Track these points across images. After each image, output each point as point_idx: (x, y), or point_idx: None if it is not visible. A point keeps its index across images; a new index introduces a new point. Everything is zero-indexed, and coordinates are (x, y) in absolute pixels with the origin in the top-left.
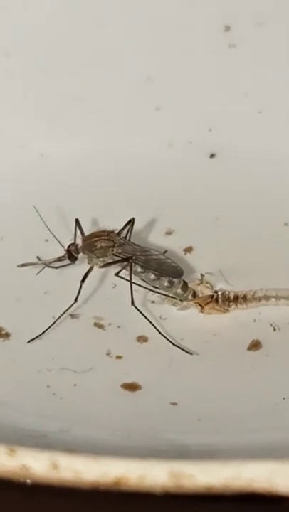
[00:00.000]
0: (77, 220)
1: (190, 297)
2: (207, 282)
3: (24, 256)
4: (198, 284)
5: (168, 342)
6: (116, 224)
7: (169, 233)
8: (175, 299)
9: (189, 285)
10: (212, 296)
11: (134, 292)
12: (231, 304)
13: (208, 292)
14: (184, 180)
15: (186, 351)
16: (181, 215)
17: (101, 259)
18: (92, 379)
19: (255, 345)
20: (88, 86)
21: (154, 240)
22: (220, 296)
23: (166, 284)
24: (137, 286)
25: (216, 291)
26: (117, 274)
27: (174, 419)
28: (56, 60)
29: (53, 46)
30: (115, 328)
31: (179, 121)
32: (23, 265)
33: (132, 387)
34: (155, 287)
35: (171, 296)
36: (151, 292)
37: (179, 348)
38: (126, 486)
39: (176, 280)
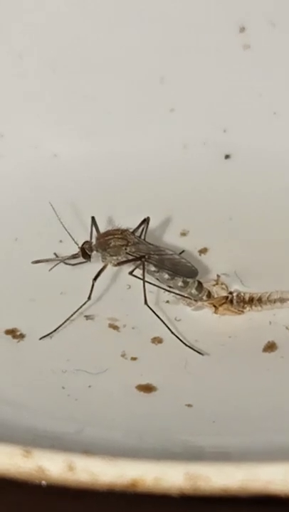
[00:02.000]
0: (93, 218)
1: (205, 298)
2: (222, 283)
3: (38, 256)
4: (214, 285)
5: (182, 343)
6: (130, 224)
7: (183, 234)
8: (190, 299)
9: (204, 285)
10: (227, 297)
11: (148, 292)
12: (246, 305)
13: (224, 293)
14: (199, 181)
15: (198, 352)
16: (195, 216)
17: (114, 257)
18: (107, 380)
19: (270, 347)
20: (102, 87)
21: (169, 241)
22: (235, 297)
23: (180, 283)
24: (151, 287)
25: (230, 293)
26: (131, 273)
27: (189, 421)
28: (69, 60)
29: (66, 47)
30: (130, 330)
31: (194, 122)
32: (37, 262)
33: (147, 388)
34: (169, 287)
35: (185, 296)
36: (166, 292)
37: (192, 349)
38: (142, 488)
39: (190, 280)
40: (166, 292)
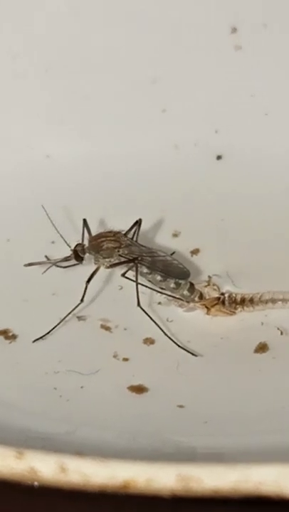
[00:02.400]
0: (84, 221)
1: (196, 299)
2: (214, 284)
3: (31, 257)
4: (205, 286)
5: (175, 344)
6: (123, 225)
7: (175, 235)
8: (181, 300)
9: (196, 287)
10: (218, 298)
11: (140, 294)
12: (238, 306)
13: (215, 294)
14: (191, 182)
15: (191, 353)
16: (187, 217)
17: (107, 259)
18: (99, 381)
19: (262, 348)
20: (94, 87)
21: (161, 242)
22: (227, 298)
23: (172, 285)
24: (143, 288)
25: (222, 294)
26: (123, 275)
27: (181, 422)
28: (62, 60)
29: (59, 47)
30: (122, 330)
31: (186, 122)
32: (30, 264)
33: (138, 389)
34: (162, 288)
35: (177, 298)
36: (158, 294)
37: (185, 349)
38: (134, 490)
39: (182, 282)
40: (158, 294)
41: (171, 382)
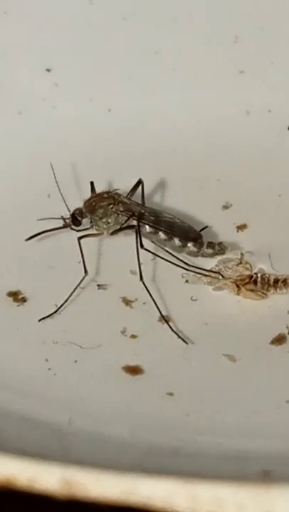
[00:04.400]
0: (92, 183)
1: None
2: (247, 262)
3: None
4: (237, 264)
5: (191, 326)
6: (175, 192)
7: (226, 207)
8: (210, 276)
9: (225, 263)
10: (251, 277)
11: (171, 268)
12: (270, 288)
13: (247, 273)
14: (255, 151)
15: (182, 339)
16: (243, 189)
17: (104, 220)
18: (96, 357)
19: (278, 340)
20: (170, 43)
21: (209, 213)
22: (259, 278)
23: (177, 243)
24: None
25: (255, 273)
26: (142, 247)
27: (162, 411)
28: (140, 12)
29: None
30: (140, 305)
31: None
32: (30, 238)
33: (133, 370)
34: (169, 253)
35: (207, 274)
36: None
37: (177, 335)
38: (15, 488)
39: (190, 243)
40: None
41: (170, 367)
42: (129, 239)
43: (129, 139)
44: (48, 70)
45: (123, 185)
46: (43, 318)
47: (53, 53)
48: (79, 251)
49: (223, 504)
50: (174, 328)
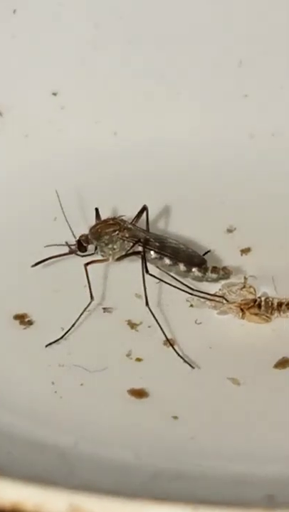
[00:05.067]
0: (96, 210)
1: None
2: (250, 286)
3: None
4: (241, 289)
5: (196, 350)
6: (180, 215)
7: (230, 231)
8: (215, 301)
9: (230, 287)
10: (255, 300)
11: (176, 292)
12: (274, 311)
13: (251, 297)
14: (261, 175)
15: (189, 364)
16: (247, 212)
17: (110, 246)
18: (101, 380)
19: (282, 364)
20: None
21: (213, 237)
22: (263, 301)
23: (182, 268)
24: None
25: (259, 297)
26: (147, 272)
27: (166, 434)
28: (145, 35)
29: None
30: (145, 328)
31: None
32: (36, 264)
33: (139, 393)
34: (174, 278)
35: (211, 299)
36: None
37: (183, 359)
38: None
39: (194, 268)
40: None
41: (175, 390)
42: (133, 263)
43: (134, 161)
44: (55, 94)
45: (126, 207)
46: (50, 344)
47: (59, 77)
48: (85, 276)
49: None
50: (180, 352)
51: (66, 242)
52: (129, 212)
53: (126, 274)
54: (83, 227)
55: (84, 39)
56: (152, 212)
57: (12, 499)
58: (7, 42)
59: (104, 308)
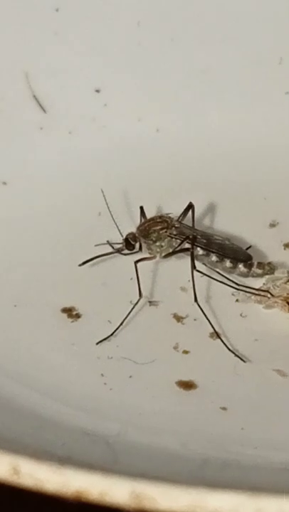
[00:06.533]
0: (141, 208)
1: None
2: None
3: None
4: (285, 282)
5: (242, 342)
6: (223, 211)
7: (273, 225)
8: (260, 295)
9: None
10: None
11: (221, 287)
12: None
13: None
14: None
15: (240, 358)
16: None
17: (158, 243)
18: (150, 372)
19: None
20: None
21: (256, 231)
22: None
23: (228, 264)
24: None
25: None
26: (194, 268)
27: (217, 424)
28: (187, 32)
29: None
30: (191, 321)
31: None
32: (84, 263)
33: (187, 385)
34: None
35: (256, 293)
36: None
37: (234, 354)
38: (86, 500)
39: (241, 264)
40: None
41: (222, 382)
42: (178, 257)
43: (177, 158)
44: (98, 91)
45: (170, 204)
46: (101, 341)
47: (103, 74)
48: (132, 270)
49: None
50: (226, 342)
51: (107, 241)
52: (172, 210)
53: (171, 268)
54: (127, 225)
55: (127, 36)
56: (196, 209)
57: (76, 487)
58: (50, 39)
59: (150, 302)
